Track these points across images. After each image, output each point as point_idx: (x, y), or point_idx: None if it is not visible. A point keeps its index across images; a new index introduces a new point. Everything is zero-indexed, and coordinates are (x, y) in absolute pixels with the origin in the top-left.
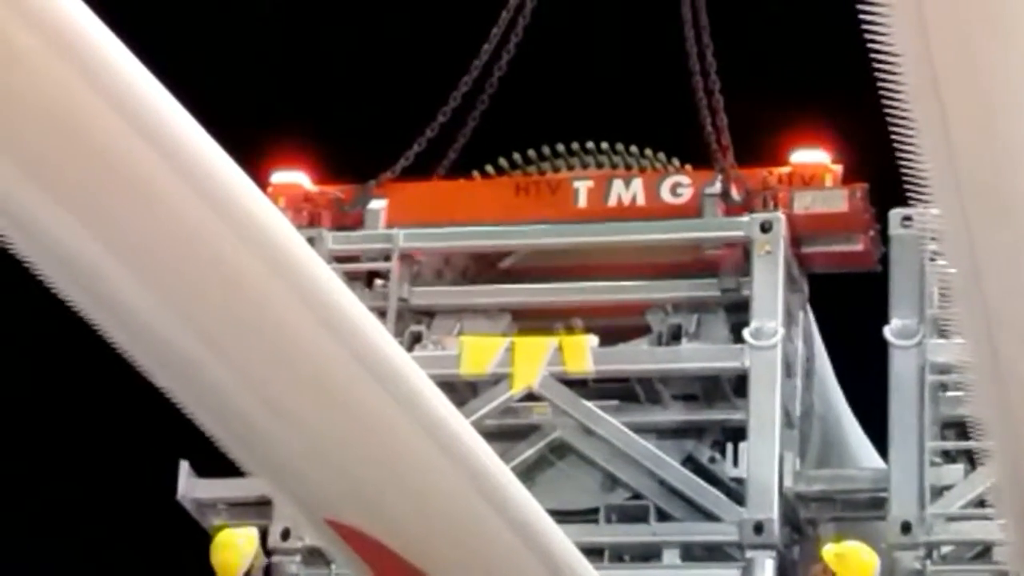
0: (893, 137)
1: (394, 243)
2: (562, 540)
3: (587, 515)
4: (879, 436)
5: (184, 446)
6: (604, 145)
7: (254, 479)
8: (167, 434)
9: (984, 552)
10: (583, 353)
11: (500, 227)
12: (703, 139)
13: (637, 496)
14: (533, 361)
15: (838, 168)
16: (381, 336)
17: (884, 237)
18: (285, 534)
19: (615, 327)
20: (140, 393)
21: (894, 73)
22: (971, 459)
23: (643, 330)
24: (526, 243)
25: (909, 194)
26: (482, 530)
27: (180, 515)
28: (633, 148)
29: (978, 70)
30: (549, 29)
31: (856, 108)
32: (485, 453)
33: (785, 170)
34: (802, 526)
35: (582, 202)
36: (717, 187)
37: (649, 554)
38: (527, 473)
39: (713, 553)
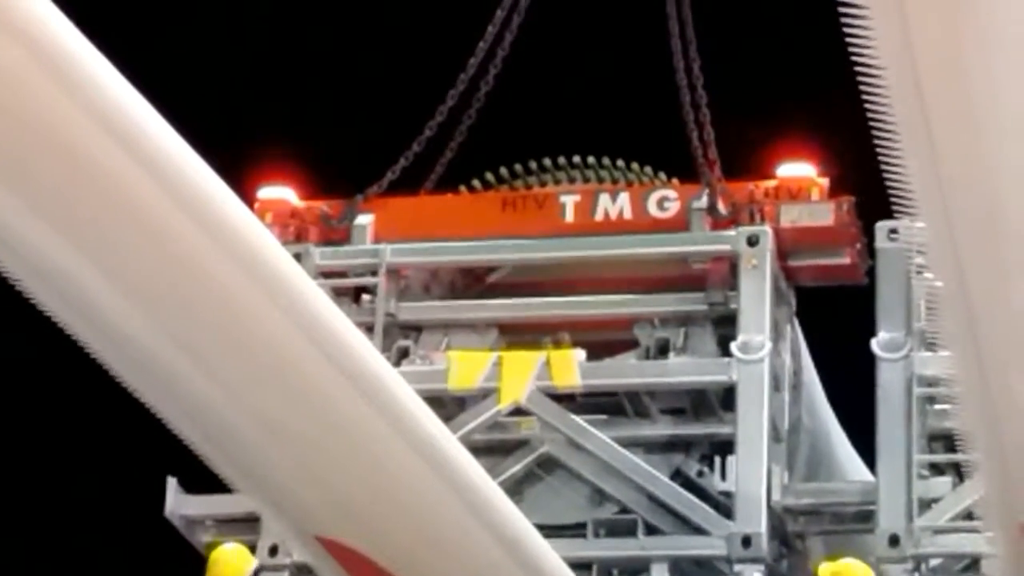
0: (878, 150)
1: (381, 258)
2: (551, 555)
3: (575, 530)
4: (867, 449)
5: (172, 463)
6: (591, 159)
7: (243, 496)
8: (154, 451)
9: (972, 565)
10: (571, 367)
11: (487, 242)
12: (690, 153)
13: (625, 510)
14: (521, 376)
15: (824, 181)
16: (368, 352)
17: (871, 250)
18: (273, 550)
19: (603, 341)
20: (127, 410)
21: (879, 86)
22: (959, 472)
23: (631, 344)
24: (513, 258)
25: (895, 207)
26: (471, 546)
27: (168, 532)
28: (620, 162)
29: (963, 82)
30: (536, 44)
31: (842, 121)
32: (473, 468)
33: (772, 184)
34: (790, 540)
35: (569, 216)
36: (704, 201)
37: (637, 568)
38: (515, 488)
39: (702, 567)
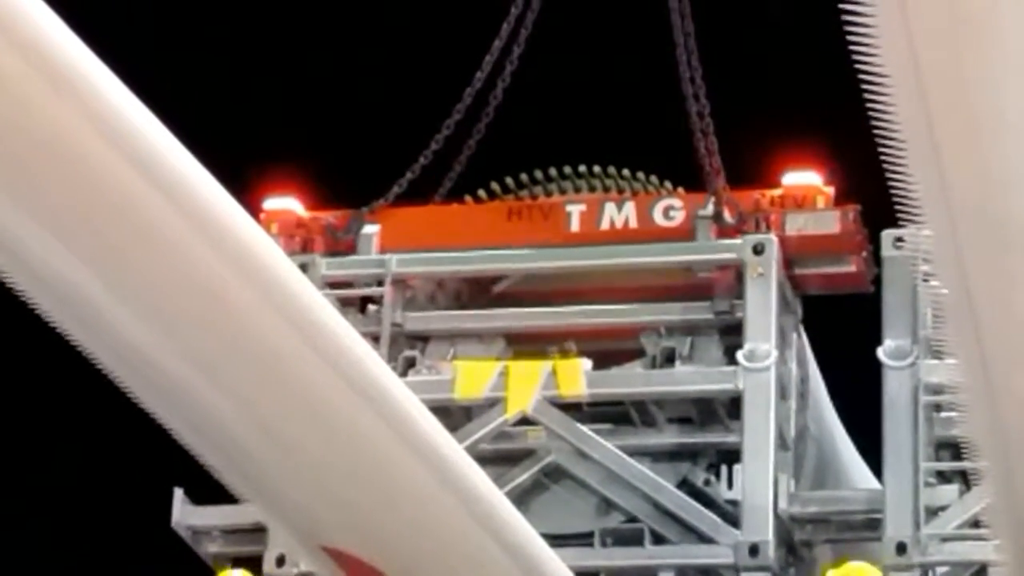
0: (884, 158)
1: (387, 268)
2: (557, 564)
3: (582, 539)
4: (873, 457)
5: (178, 474)
6: (596, 169)
7: (249, 506)
8: (161, 462)
9: (979, 572)
10: (577, 377)
11: (493, 251)
12: (695, 162)
13: (632, 519)
14: (527, 385)
15: (830, 190)
16: (375, 362)
17: (877, 258)
18: (280, 561)
19: (609, 350)
20: (134, 421)
21: (884, 94)
22: (965, 479)
23: (637, 353)
24: (519, 267)
25: (901, 215)
26: (478, 555)
27: (175, 543)
28: (625, 171)
29: (968, 91)
30: (542, 55)
31: (848, 130)
32: (480, 478)
33: (777, 192)
34: (797, 548)
35: (575, 226)
36: (709, 210)
37: None
38: (522, 497)
39: None
